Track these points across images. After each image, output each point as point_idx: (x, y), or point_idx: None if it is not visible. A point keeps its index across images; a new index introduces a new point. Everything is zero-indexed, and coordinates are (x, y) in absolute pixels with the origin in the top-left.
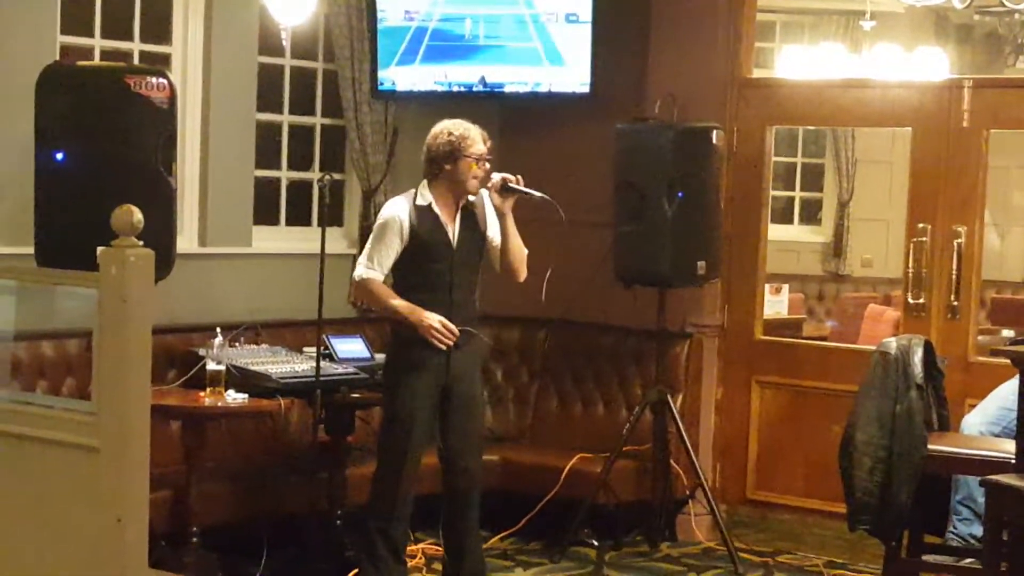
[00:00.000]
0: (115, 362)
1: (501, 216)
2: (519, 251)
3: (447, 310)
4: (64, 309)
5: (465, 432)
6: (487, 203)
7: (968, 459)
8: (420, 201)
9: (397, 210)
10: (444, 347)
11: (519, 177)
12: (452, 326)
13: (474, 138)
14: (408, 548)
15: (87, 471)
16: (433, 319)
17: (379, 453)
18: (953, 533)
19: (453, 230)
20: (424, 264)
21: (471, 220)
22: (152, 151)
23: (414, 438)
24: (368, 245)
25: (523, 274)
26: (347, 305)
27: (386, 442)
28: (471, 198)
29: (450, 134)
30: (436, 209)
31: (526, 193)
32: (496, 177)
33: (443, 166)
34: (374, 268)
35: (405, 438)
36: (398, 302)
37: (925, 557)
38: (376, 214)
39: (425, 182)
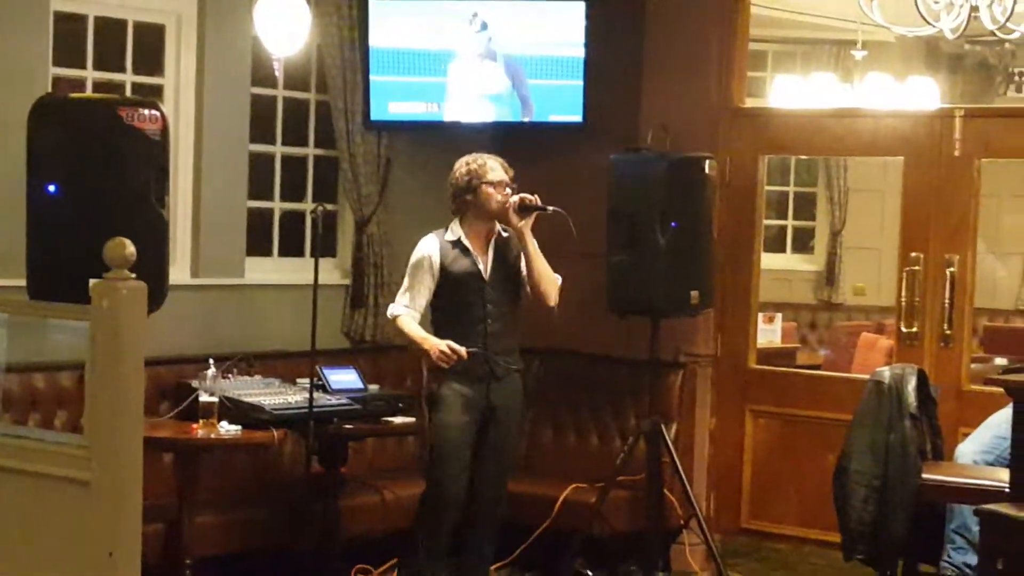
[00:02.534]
0: (107, 395)
1: (521, 236)
2: (547, 274)
3: (483, 342)
4: (56, 342)
5: (496, 466)
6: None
7: (962, 488)
8: (450, 236)
9: (427, 247)
10: (453, 366)
11: (536, 196)
12: (459, 348)
13: (491, 166)
14: None
15: (79, 505)
16: (441, 344)
17: (427, 484)
18: (947, 562)
19: (485, 262)
20: (457, 298)
21: (504, 252)
22: (145, 183)
23: (455, 471)
24: (404, 284)
25: (553, 298)
26: (340, 336)
27: (432, 471)
28: (503, 232)
29: (467, 165)
30: (466, 243)
31: (543, 209)
32: (514, 198)
33: (465, 197)
34: (406, 305)
35: (448, 471)
36: (416, 334)
37: None
38: (368, 245)
39: (456, 220)
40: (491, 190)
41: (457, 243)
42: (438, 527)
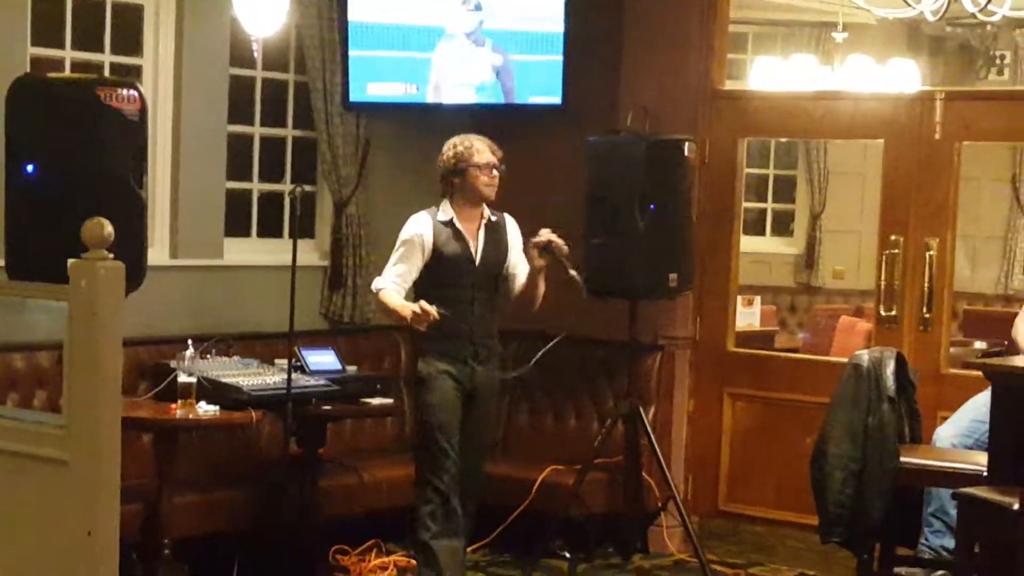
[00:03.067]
0: (86, 375)
1: (534, 269)
2: (541, 291)
3: (468, 325)
4: (35, 322)
5: (474, 447)
6: (510, 228)
7: (940, 471)
8: (442, 216)
9: (419, 225)
10: (423, 327)
11: (566, 247)
12: (430, 307)
13: (478, 148)
14: (379, 560)
15: (57, 484)
16: (413, 305)
17: (420, 466)
18: (925, 545)
19: (476, 246)
20: (447, 279)
21: (494, 238)
22: (123, 163)
23: (453, 445)
24: (391, 259)
25: (536, 308)
26: (319, 317)
27: (427, 454)
28: (492, 217)
29: (454, 147)
30: (459, 224)
31: (562, 264)
32: (544, 234)
33: (452, 180)
34: (387, 280)
35: (446, 445)
36: (394, 303)
37: (897, 569)
38: (347, 226)
39: (445, 201)
40: (478, 172)
41: (450, 224)
42: (445, 503)
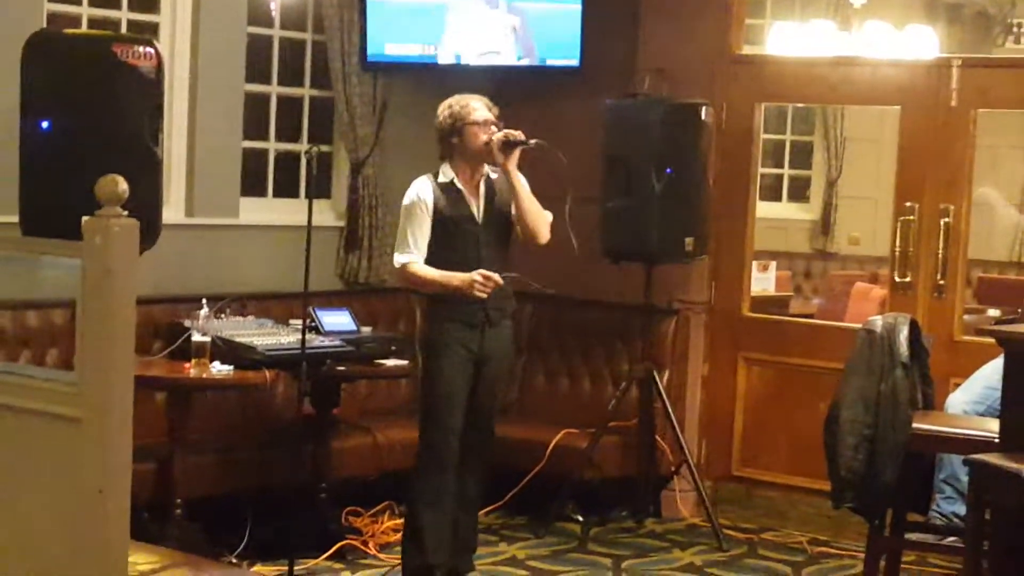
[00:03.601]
0: (99, 333)
1: (508, 174)
2: (535, 210)
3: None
4: (48, 278)
5: (486, 409)
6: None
7: (952, 438)
8: (442, 179)
9: (420, 190)
10: (481, 303)
11: (519, 132)
12: (493, 274)
13: (475, 106)
14: (392, 521)
15: (69, 442)
16: (473, 274)
17: (422, 433)
18: (936, 511)
19: (478, 205)
20: (451, 241)
21: (495, 194)
22: (139, 121)
23: (455, 415)
24: (400, 231)
25: (544, 236)
26: (334, 277)
27: (428, 422)
28: (492, 174)
29: (450, 107)
30: (459, 185)
31: (525, 143)
32: (497, 135)
33: (451, 140)
34: (411, 251)
35: (448, 416)
36: (439, 276)
37: (908, 535)
38: (363, 187)
39: (446, 163)
40: (476, 130)
41: (450, 185)
42: (441, 473)
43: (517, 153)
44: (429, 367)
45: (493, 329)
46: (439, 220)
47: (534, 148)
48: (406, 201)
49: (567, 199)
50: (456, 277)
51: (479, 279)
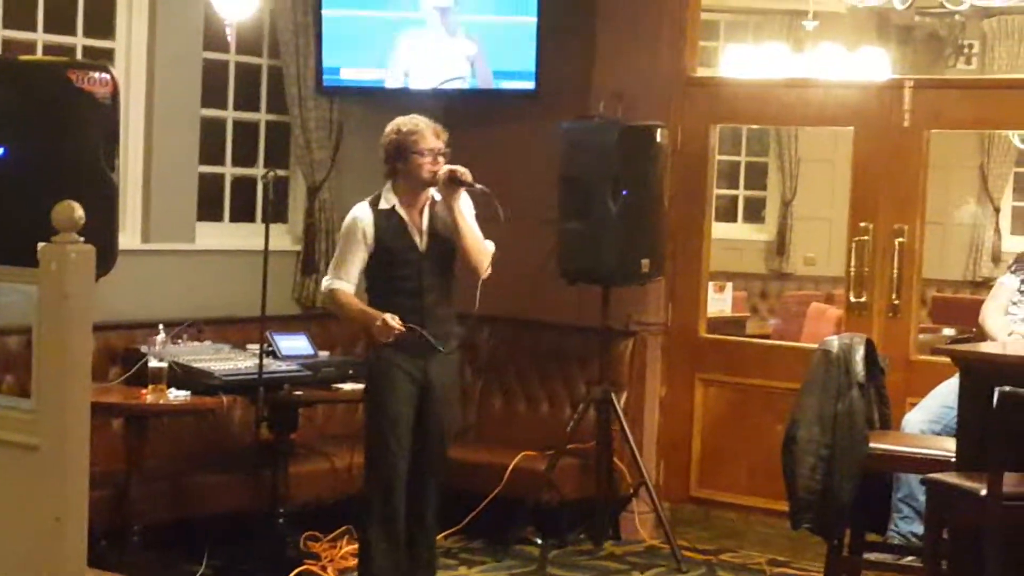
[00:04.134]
0: (55, 359)
1: (449, 209)
2: (476, 244)
3: (419, 316)
4: (4, 305)
5: (435, 433)
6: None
7: (909, 457)
8: (383, 205)
9: (360, 217)
10: (392, 339)
11: (466, 171)
12: (396, 323)
13: (422, 132)
14: (351, 547)
15: (26, 469)
16: (377, 319)
17: (368, 458)
18: (894, 531)
19: (420, 233)
20: (392, 270)
21: (440, 221)
22: (95, 147)
23: (402, 440)
24: (335, 254)
25: (484, 270)
26: (291, 301)
27: (374, 447)
28: (436, 196)
29: (397, 131)
30: (400, 211)
31: (470, 185)
32: (444, 169)
33: (396, 164)
34: (339, 278)
35: (393, 441)
36: (355, 307)
37: (867, 555)
38: (320, 211)
39: (388, 184)
40: (420, 160)
41: (391, 212)
42: (389, 498)
43: (462, 191)
44: (373, 394)
45: (436, 357)
46: (380, 248)
47: (478, 193)
48: (345, 226)
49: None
50: (367, 314)
51: (380, 325)
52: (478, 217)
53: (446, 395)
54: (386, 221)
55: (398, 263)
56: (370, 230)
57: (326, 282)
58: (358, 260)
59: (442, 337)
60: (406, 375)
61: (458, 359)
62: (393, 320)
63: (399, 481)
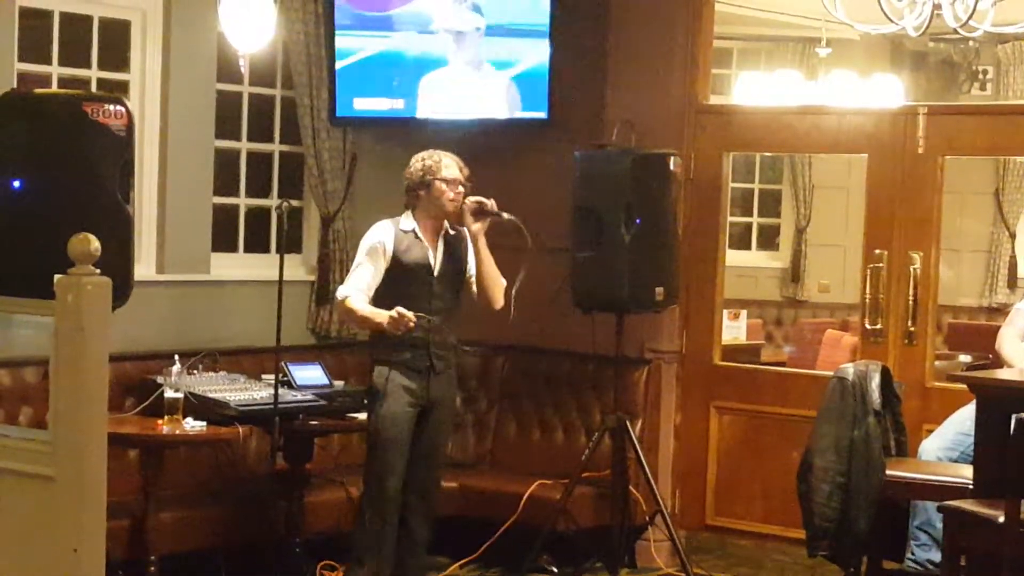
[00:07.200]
0: (72, 390)
1: (474, 239)
2: (495, 277)
3: (425, 335)
4: (21, 337)
5: (431, 454)
6: (469, 240)
7: (926, 485)
8: (404, 226)
9: (381, 233)
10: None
11: (492, 201)
12: (407, 312)
13: (446, 164)
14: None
15: (43, 501)
16: (391, 311)
17: (366, 478)
18: (911, 559)
19: (435, 256)
20: (404, 288)
21: (454, 249)
22: (110, 179)
23: (399, 456)
24: (353, 266)
25: (499, 302)
26: (306, 332)
27: (374, 460)
28: (451, 229)
29: (423, 161)
30: (419, 234)
31: (497, 215)
32: (470, 200)
33: (418, 192)
34: (355, 287)
35: (393, 455)
36: (365, 311)
37: None
38: (334, 241)
39: (409, 212)
40: (444, 187)
41: (411, 233)
42: (383, 519)
43: (487, 222)
44: (375, 412)
45: (438, 376)
46: (397, 265)
47: (506, 222)
48: (366, 241)
49: (519, 275)
50: (378, 313)
51: (394, 315)
52: (503, 246)
53: (445, 414)
54: (405, 240)
55: (411, 281)
56: (390, 245)
57: (341, 290)
58: (377, 273)
59: (441, 359)
60: (408, 394)
61: (455, 378)
62: (405, 311)
63: (393, 496)
